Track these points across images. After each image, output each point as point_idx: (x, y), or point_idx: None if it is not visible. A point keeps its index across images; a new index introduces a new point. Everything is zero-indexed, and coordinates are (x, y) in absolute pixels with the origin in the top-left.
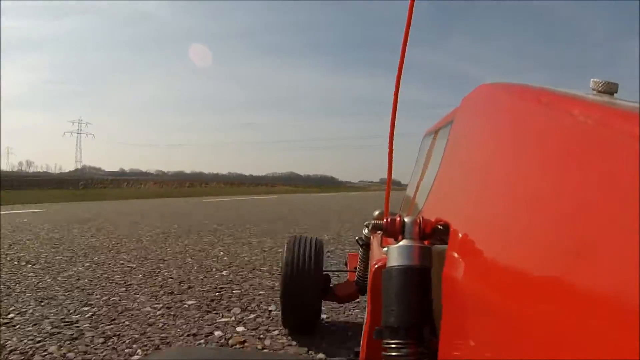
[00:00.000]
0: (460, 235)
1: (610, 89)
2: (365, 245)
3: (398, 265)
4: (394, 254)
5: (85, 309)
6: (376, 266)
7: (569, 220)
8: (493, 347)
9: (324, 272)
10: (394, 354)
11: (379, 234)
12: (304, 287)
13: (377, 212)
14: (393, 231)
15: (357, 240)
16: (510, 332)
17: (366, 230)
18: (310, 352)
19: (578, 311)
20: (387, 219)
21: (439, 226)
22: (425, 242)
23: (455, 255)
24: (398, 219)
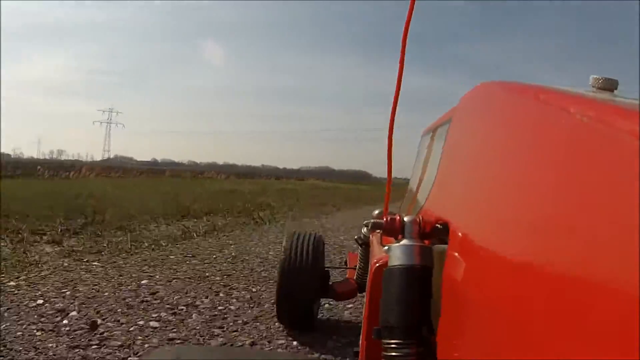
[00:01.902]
0: (460, 234)
1: (610, 86)
2: (365, 244)
3: (400, 265)
4: (396, 253)
5: None
6: (377, 265)
7: (569, 218)
8: (493, 347)
9: (324, 269)
10: (394, 353)
11: (379, 232)
12: (303, 283)
13: (376, 212)
14: (393, 230)
15: (356, 239)
16: (511, 331)
17: (365, 230)
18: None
19: (578, 311)
20: (386, 218)
21: (438, 225)
22: (426, 242)
23: (456, 254)
24: (397, 218)
